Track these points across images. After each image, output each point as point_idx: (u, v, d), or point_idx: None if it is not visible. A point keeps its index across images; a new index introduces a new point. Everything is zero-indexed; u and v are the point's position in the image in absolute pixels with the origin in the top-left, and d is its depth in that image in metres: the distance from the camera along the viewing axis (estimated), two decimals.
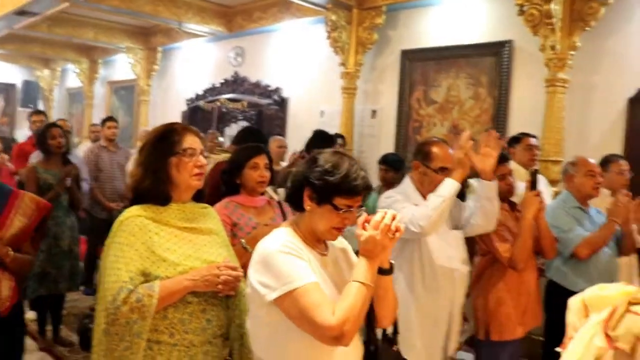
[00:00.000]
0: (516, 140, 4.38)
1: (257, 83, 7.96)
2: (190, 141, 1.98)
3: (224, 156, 3.47)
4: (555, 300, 3.38)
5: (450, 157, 2.76)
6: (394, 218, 1.67)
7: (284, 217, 2.78)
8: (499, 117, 5.37)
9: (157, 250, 1.85)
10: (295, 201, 1.81)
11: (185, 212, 1.99)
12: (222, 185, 2.80)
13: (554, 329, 3.37)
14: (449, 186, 2.61)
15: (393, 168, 4.86)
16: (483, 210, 2.77)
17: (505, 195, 3.10)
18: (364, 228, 1.67)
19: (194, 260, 1.91)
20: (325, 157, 1.76)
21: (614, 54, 4.81)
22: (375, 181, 5.16)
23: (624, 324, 0.71)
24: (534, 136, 4.46)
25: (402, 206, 2.65)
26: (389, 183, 4.74)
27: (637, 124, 4.64)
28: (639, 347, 0.69)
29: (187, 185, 1.97)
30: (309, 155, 1.85)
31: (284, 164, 5.93)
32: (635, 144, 4.57)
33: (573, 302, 0.85)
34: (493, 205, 2.77)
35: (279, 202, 2.90)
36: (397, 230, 1.67)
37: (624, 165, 3.87)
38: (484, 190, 2.74)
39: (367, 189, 1.73)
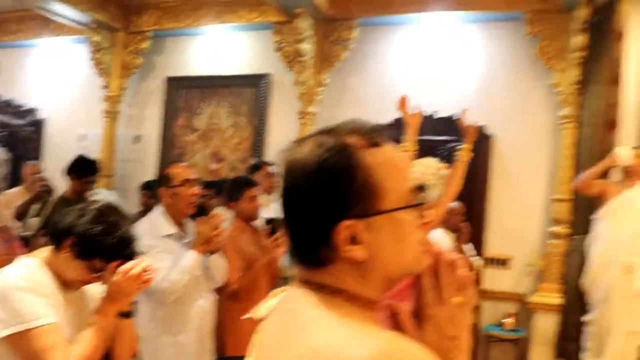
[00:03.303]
0: (257, 167, 4.67)
1: (8, 101, 7.30)
2: None
3: None
4: None
5: (188, 170, 2.88)
6: (145, 270, 1.70)
7: (8, 244, 2.64)
8: (257, 145, 5.68)
9: None
10: (54, 240, 1.73)
11: None
12: None
13: None
14: (192, 260, 2.70)
15: (155, 194, 4.84)
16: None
17: (251, 217, 3.31)
18: (114, 272, 1.68)
19: None
20: (100, 213, 1.70)
21: (355, 91, 5.44)
22: (137, 207, 5.11)
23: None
24: (272, 164, 4.82)
25: (161, 264, 2.67)
26: (150, 209, 4.70)
27: None
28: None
29: None
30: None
31: None
32: None
33: None
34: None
35: (1, 227, 2.75)
36: (146, 281, 1.70)
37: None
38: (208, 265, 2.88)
39: (134, 256, 1.72)
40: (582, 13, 4.48)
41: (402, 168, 0.88)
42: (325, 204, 0.83)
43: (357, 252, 0.83)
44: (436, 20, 5.25)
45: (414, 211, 0.87)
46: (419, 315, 0.91)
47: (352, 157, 0.84)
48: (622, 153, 4.15)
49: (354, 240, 0.83)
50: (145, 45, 6.17)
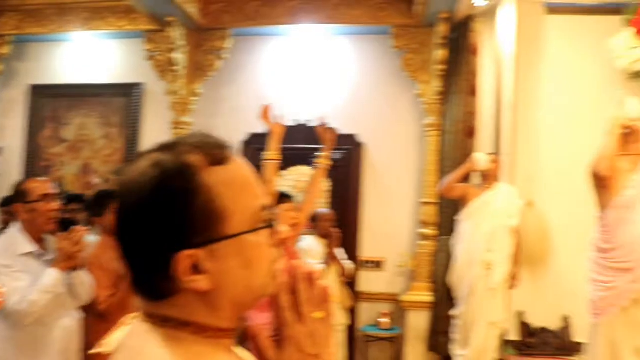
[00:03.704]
0: None
1: None
2: None
3: None
4: None
5: (46, 184, 2.75)
6: None
7: None
8: (129, 157, 5.51)
9: None
10: None
11: None
12: None
13: None
14: (53, 278, 2.57)
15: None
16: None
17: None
18: None
19: None
20: None
21: (230, 100, 5.45)
22: None
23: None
24: None
25: (19, 284, 2.54)
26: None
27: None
28: None
29: None
30: None
31: None
32: None
33: None
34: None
35: None
36: None
37: None
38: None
39: None
40: (442, 29, 4.80)
41: (248, 187, 0.81)
42: (161, 233, 0.75)
43: (200, 282, 0.76)
44: (308, 32, 5.39)
45: (264, 231, 0.81)
46: (279, 334, 0.83)
47: (191, 179, 0.75)
48: (480, 158, 4.48)
49: (196, 270, 0.75)
50: (5, 50, 5.78)
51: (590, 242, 3.50)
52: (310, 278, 0.83)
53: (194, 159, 0.77)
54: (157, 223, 0.75)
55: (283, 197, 3.15)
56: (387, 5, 5.05)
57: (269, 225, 0.82)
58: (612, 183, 3.32)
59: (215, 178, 0.77)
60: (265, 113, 3.07)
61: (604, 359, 3.31)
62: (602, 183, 3.33)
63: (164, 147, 0.80)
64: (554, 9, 4.87)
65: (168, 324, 0.77)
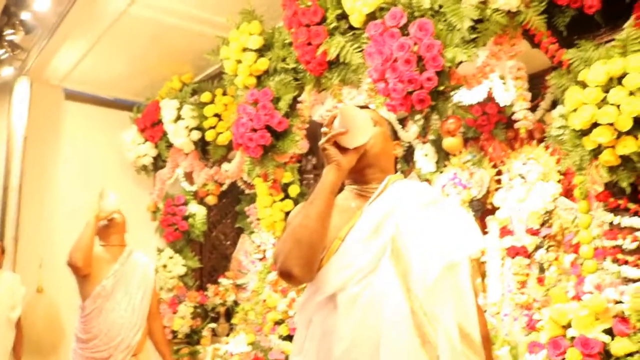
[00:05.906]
0: None
1: None
2: None
3: None
4: None
5: None
6: None
7: None
8: None
9: None
10: None
11: None
12: None
13: None
14: None
15: None
16: None
17: None
18: None
19: None
20: None
21: None
22: None
23: None
24: None
25: None
26: None
27: None
28: None
29: None
30: None
31: None
32: None
33: None
34: None
35: None
36: None
37: None
38: None
39: None
40: None
41: None
42: None
43: None
44: None
45: None
46: None
47: None
48: None
49: None
50: None
51: (72, 334, 3.50)
52: None
53: None
54: None
55: None
56: None
57: None
58: (90, 273, 3.39)
59: None
60: None
61: None
62: (79, 273, 3.38)
63: None
64: (72, 96, 4.93)
65: None
